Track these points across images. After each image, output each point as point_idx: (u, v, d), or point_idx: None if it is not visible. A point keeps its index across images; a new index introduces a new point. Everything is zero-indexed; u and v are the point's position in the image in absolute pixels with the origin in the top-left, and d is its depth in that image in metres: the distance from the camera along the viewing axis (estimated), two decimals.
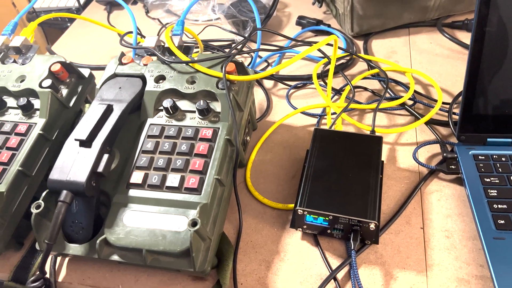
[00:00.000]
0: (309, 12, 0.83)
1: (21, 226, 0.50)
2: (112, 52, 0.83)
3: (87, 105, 0.56)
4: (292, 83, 0.68)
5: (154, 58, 0.55)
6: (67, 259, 0.49)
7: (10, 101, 0.55)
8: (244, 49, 0.75)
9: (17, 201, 0.48)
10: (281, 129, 0.61)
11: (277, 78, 0.69)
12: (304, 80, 0.68)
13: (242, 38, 0.76)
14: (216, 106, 0.50)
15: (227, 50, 0.76)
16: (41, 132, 0.51)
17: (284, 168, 0.56)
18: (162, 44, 0.56)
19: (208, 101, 0.50)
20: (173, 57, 0.54)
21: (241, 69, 0.53)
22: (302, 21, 0.78)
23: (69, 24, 0.99)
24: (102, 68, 0.77)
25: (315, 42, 0.73)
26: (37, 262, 0.49)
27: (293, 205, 0.50)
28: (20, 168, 0.48)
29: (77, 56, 0.83)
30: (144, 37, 0.75)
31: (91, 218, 0.45)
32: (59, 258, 0.49)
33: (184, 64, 0.52)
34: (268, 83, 0.70)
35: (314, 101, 0.65)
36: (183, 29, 0.57)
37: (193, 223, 0.40)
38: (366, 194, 0.45)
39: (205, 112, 0.49)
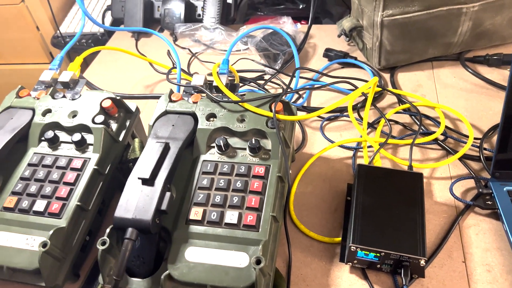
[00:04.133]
0: (334, 44, 0.86)
1: (78, 258, 0.52)
2: (144, 81, 0.85)
3: (136, 139, 0.59)
4: (325, 115, 0.71)
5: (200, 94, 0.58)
6: None
7: (62, 136, 0.57)
8: (286, 86, 0.77)
9: (76, 235, 0.51)
10: (318, 162, 0.64)
11: (310, 111, 0.72)
12: (335, 113, 0.71)
13: (273, 70, 0.79)
14: (266, 143, 0.53)
15: (260, 82, 0.79)
16: (95, 167, 0.53)
17: (325, 201, 0.58)
18: (209, 82, 0.59)
19: (258, 138, 0.53)
20: (221, 95, 0.57)
21: (287, 107, 0.56)
22: (329, 54, 0.82)
23: None
24: (140, 97, 0.79)
25: (354, 79, 0.77)
26: None
27: (339, 238, 0.53)
28: (78, 203, 0.51)
29: (110, 85, 0.85)
30: (190, 74, 0.78)
31: (152, 253, 0.47)
32: None
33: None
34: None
35: (347, 134, 0.68)
36: (228, 68, 0.60)
37: (257, 261, 0.43)
38: (414, 231, 0.47)
39: (256, 150, 0.52)
